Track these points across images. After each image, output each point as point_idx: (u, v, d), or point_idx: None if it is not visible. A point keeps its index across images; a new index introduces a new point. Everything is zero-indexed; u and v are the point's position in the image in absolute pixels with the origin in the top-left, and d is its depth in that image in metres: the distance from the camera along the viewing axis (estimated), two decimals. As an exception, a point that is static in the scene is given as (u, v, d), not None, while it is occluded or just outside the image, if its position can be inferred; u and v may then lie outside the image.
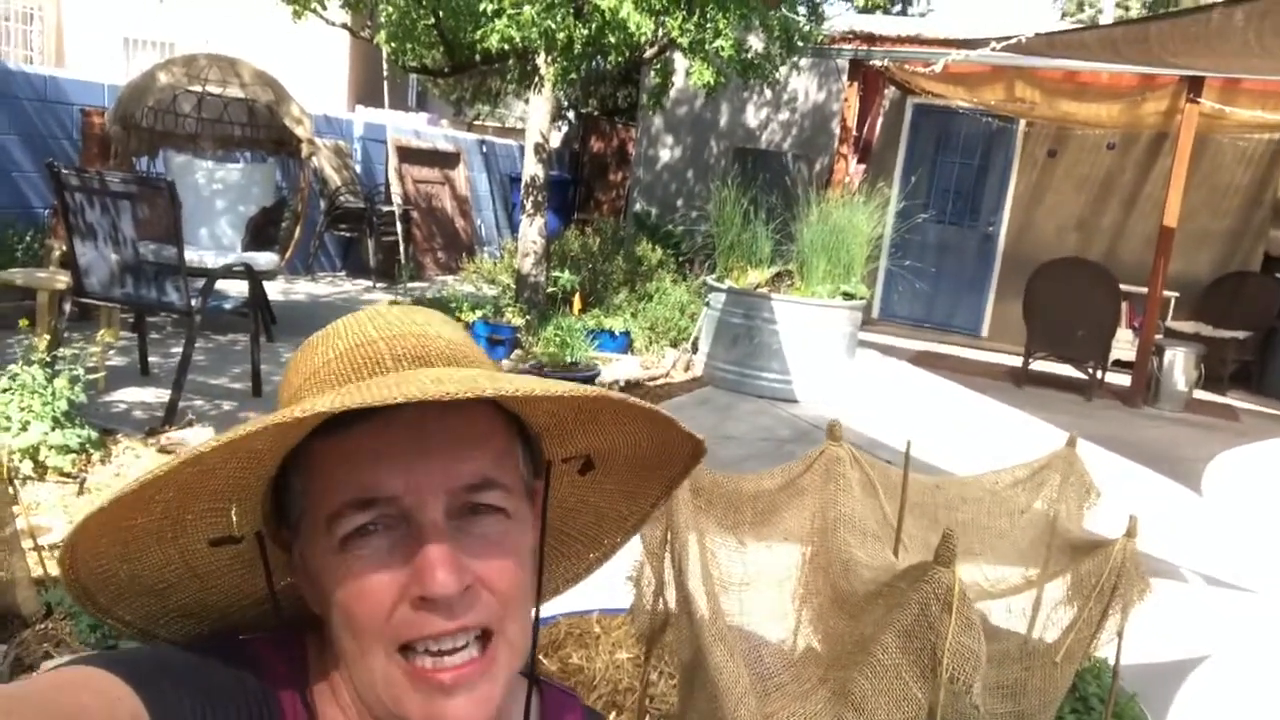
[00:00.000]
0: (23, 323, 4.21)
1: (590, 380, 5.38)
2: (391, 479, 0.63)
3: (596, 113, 13.45)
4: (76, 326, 5.20)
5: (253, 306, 4.97)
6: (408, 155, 9.81)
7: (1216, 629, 3.24)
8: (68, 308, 4.84)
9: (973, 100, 8.32)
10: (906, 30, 8.13)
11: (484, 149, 11.72)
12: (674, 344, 6.86)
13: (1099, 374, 7.16)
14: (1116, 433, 5.81)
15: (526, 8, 5.28)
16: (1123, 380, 7.32)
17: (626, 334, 6.76)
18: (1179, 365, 6.86)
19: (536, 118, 6.76)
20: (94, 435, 3.54)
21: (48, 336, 3.95)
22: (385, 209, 9.04)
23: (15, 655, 2.16)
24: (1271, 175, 8.50)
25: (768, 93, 9.49)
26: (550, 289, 7.03)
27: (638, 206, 10.42)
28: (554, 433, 0.75)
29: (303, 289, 8.28)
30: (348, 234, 9.16)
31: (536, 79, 6.42)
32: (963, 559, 1.16)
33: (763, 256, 6.26)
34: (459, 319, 5.76)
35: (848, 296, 6.05)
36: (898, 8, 14.75)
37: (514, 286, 6.98)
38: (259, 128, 6.80)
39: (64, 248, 4.73)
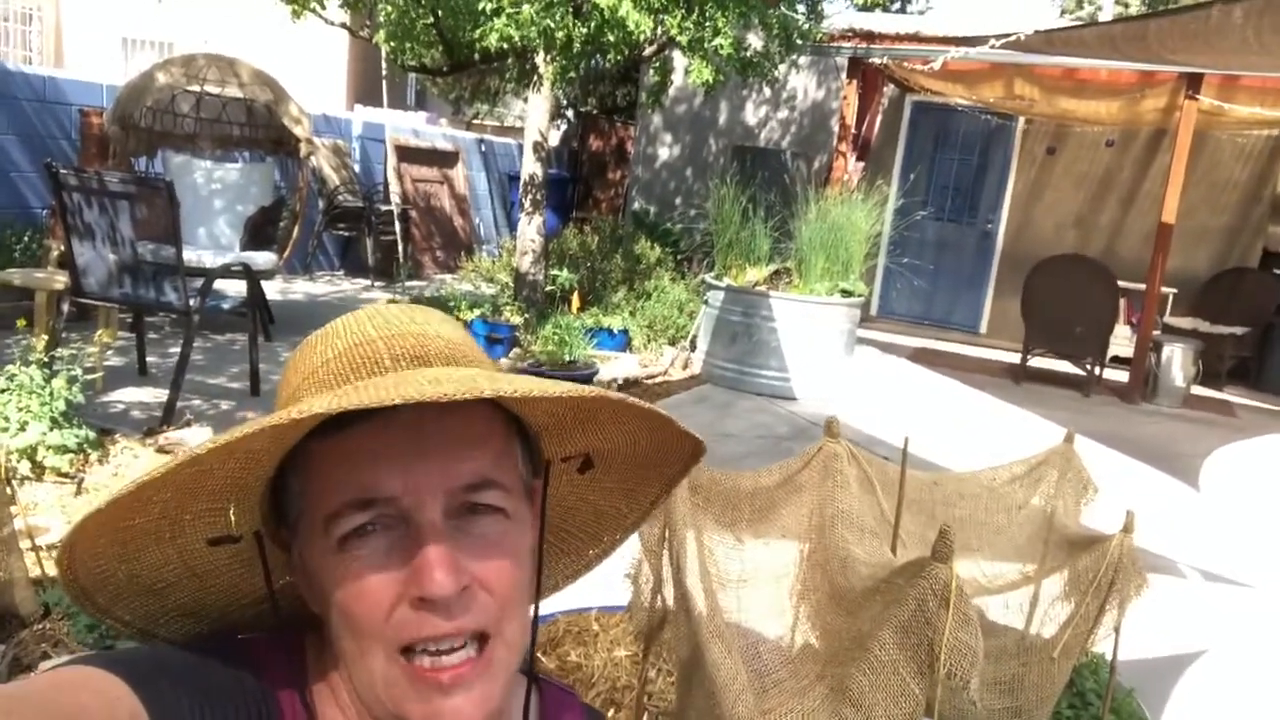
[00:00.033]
0: (20, 323, 4.21)
1: (589, 378, 5.38)
2: (390, 479, 0.63)
3: (595, 111, 13.44)
4: (74, 326, 5.19)
5: (251, 306, 4.97)
6: (406, 154, 9.80)
7: (1214, 624, 3.24)
8: (66, 308, 4.83)
9: (972, 98, 8.32)
10: (905, 28, 8.13)
11: (483, 148, 11.71)
12: (672, 342, 6.87)
13: (1097, 370, 7.16)
14: (1114, 429, 5.82)
15: (525, 6, 5.28)
16: (1121, 376, 7.33)
17: (625, 332, 6.76)
18: (1177, 361, 6.86)
19: (535, 116, 6.75)
20: (92, 435, 3.54)
21: (46, 336, 3.94)
22: (384, 208, 9.03)
23: (13, 655, 2.16)
24: (1270, 171, 8.50)
25: (766, 91, 9.49)
26: (549, 287, 7.03)
27: (636, 205, 10.42)
28: (553, 432, 0.75)
29: (301, 288, 8.28)
30: (346, 233, 9.16)
31: (535, 78, 6.41)
32: (960, 555, 1.17)
33: (761, 254, 6.26)
34: (457, 317, 5.75)
35: (846, 294, 6.05)
36: (897, 5, 14.74)
37: (512, 285, 6.98)
38: (257, 127, 6.80)
39: (62, 248, 4.73)
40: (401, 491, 0.63)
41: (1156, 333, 7.25)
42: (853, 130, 8.09)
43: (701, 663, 1.34)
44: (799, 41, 6.79)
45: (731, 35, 5.70)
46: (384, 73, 11.57)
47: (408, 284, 8.56)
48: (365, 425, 0.63)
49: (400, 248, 8.82)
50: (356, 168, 9.33)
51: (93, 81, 6.92)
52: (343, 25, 6.81)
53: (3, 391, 3.38)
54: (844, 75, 8.44)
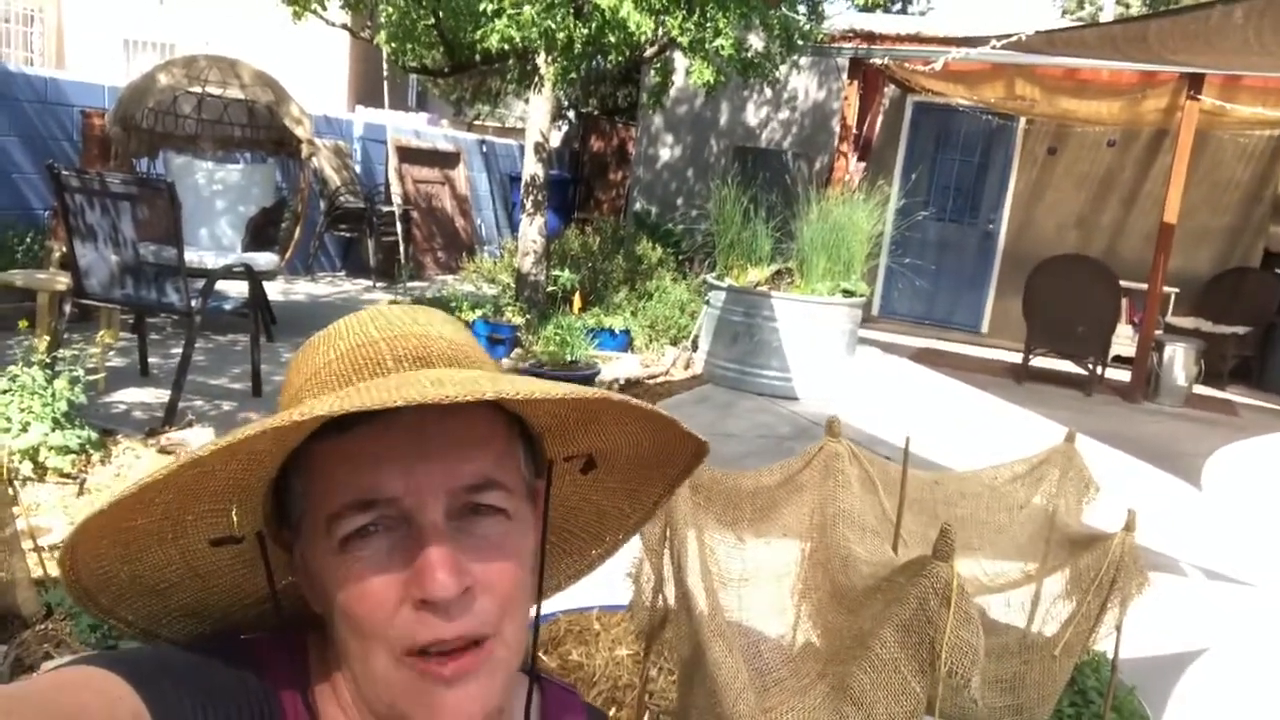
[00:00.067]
0: (22, 324, 4.21)
1: (590, 379, 5.38)
2: (392, 481, 0.63)
3: (596, 112, 13.44)
4: (76, 327, 5.20)
5: (253, 307, 4.97)
6: (408, 155, 9.81)
7: (1215, 623, 3.24)
8: (68, 309, 4.84)
9: (973, 98, 8.31)
10: (906, 28, 8.13)
11: (484, 149, 11.72)
12: (674, 342, 6.87)
13: (1099, 370, 7.16)
14: (1116, 428, 5.81)
15: (526, 7, 5.28)
16: (1123, 376, 7.33)
17: (626, 332, 6.77)
18: (1179, 361, 6.86)
19: (536, 117, 6.76)
20: (94, 436, 3.54)
21: (48, 338, 3.95)
22: (385, 209, 9.04)
23: (15, 656, 2.17)
24: (1272, 171, 8.49)
25: (768, 91, 9.49)
26: (550, 288, 7.03)
27: (638, 205, 10.42)
28: (555, 432, 0.75)
29: (303, 289, 8.28)
30: (348, 234, 9.16)
31: (536, 79, 6.42)
32: (961, 554, 1.17)
33: (762, 254, 6.26)
34: (459, 318, 5.75)
35: (848, 294, 6.05)
36: (898, 6, 14.75)
37: (514, 285, 6.98)
38: (259, 128, 6.81)
39: (64, 249, 4.73)
40: (403, 492, 0.63)
41: (1158, 332, 7.24)
42: (854, 131, 8.09)
43: (703, 661, 1.34)
44: (800, 42, 6.80)
45: (732, 36, 5.70)
46: (385, 74, 11.58)
47: (409, 285, 8.57)
48: (367, 427, 0.63)
49: (402, 249, 8.83)
50: (358, 169, 9.33)
51: (94, 83, 6.93)
52: (344, 26, 6.82)
53: (5, 392, 3.38)
54: (845, 76, 8.44)
